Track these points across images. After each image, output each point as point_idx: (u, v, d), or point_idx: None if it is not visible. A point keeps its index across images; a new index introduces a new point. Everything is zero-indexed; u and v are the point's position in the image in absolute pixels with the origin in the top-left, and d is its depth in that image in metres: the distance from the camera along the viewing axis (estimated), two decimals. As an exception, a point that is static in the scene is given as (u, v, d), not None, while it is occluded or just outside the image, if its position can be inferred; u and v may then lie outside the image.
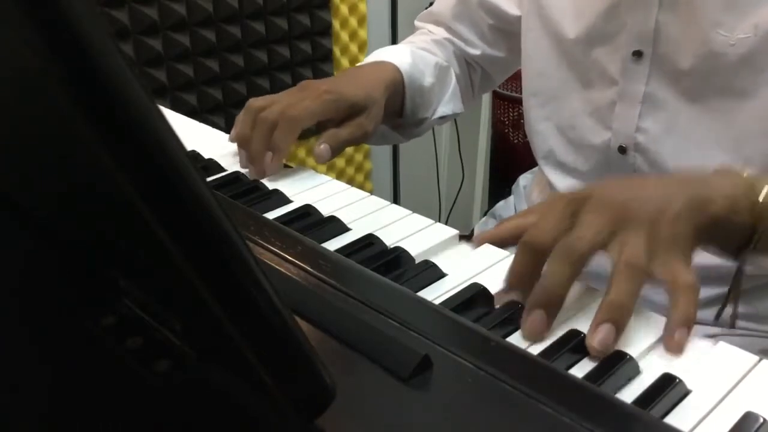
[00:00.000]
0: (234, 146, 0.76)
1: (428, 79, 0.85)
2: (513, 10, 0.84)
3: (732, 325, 0.61)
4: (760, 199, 0.50)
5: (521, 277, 0.49)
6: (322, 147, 0.71)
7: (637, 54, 0.70)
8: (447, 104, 0.89)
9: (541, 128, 0.83)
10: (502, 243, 0.55)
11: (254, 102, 0.72)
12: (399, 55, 0.83)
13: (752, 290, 0.72)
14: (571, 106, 0.78)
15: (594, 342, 0.44)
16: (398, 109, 0.84)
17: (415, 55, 0.85)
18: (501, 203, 0.99)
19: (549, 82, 0.80)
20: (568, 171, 0.81)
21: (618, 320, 0.45)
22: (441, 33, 0.93)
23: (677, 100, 0.69)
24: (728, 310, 0.58)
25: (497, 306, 0.50)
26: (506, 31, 0.87)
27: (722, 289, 0.70)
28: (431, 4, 0.96)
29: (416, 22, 0.98)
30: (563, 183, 0.81)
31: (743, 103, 0.65)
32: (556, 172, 0.82)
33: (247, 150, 0.72)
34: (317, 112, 0.71)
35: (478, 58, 0.92)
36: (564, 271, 0.46)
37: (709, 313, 0.72)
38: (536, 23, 0.80)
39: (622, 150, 0.74)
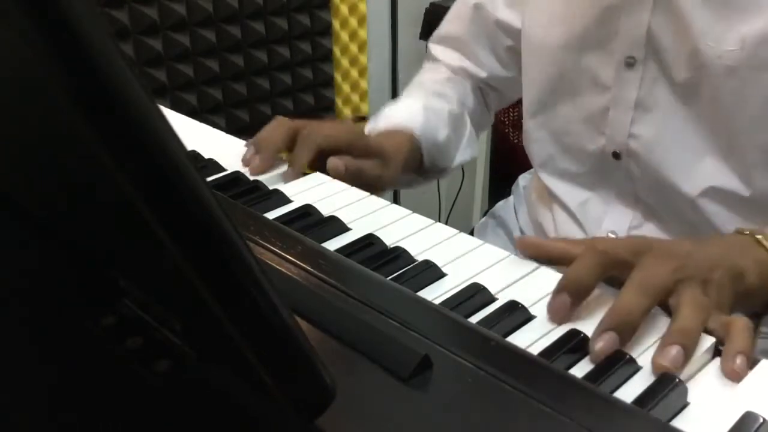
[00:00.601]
0: (234, 146, 0.76)
1: (443, 133, 0.85)
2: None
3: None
4: None
5: (576, 282, 0.48)
6: (339, 161, 0.70)
7: (631, 60, 0.70)
8: (464, 151, 0.90)
9: (537, 136, 0.83)
10: (546, 256, 0.54)
11: (280, 117, 0.74)
12: (411, 116, 0.83)
13: None
14: (565, 112, 0.78)
15: (665, 361, 0.43)
16: (418, 165, 0.85)
17: (428, 110, 0.85)
18: (501, 203, 1.00)
19: (542, 90, 0.80)
20: (566, 177, 0.81)
21: (687, 345, 0.44)
22: (454, 59, 0.92)
23: (669, 107, 0.69)
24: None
25: (550, 316, 0.49)
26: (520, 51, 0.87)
27: None
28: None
29: (430, 45, 0.97)
30: (561, 189, 0.82)
31: (731, 114, 0.65)
32: (554, 179, 0.82)
33: (257, 144, 0.72)
34: (335, 137, 0.71)
35: (490, 80, 0.92)
36: (640, 299, 0.46)
37: None
38: (528, 31, 0.80)
39: (617, 156, 0.74)
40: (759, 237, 0.55)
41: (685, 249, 0.51)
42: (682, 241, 0.55)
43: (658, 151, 0.71)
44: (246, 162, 0.72)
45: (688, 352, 0.44)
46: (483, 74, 0.91)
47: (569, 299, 0.48)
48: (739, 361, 0.43)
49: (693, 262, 0.49)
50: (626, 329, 0.45)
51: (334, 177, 0.70)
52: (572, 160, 0.80)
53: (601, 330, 0.45)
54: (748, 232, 0.56)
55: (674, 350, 0.43)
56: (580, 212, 0.80)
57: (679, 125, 0.69)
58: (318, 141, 0.70)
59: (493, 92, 0.95)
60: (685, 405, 0.41)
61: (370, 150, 0.74)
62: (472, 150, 0.92)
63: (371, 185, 0.71)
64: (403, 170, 0.78)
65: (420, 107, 0.85)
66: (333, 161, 0.70)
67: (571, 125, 0.77)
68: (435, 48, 0.96)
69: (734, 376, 0.43)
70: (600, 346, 0.44)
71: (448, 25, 0.94)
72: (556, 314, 0.48)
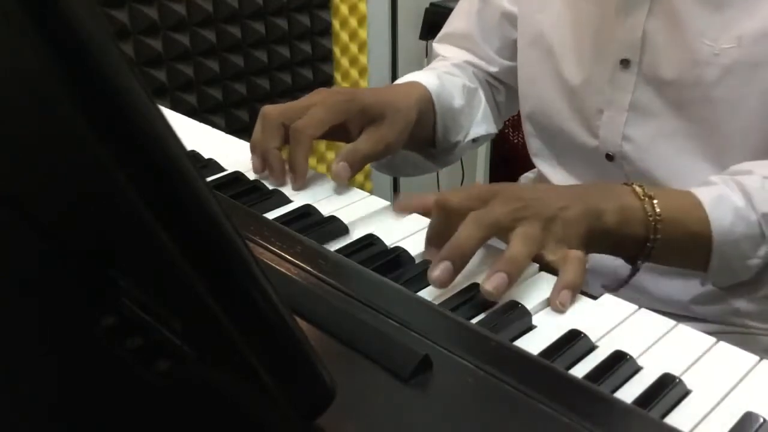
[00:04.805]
0: (234, 146, 0.76)
1: (458, 101, 0.82)
2: None
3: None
4: (657, 210, 0.56)
5: (435, 234, 0.55)
6: (341, 165, 0.66)
7: (625, 62, 0.70)
8: (480, 125, 0.86)
9: (533, 131, 0.83)
10: (418, 210, 0.61)
11: (266, 108, 0.69)
12: (425, 77, 0.79)
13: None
14: (559, 112, 0.78)
15: (489, 286, 0.49)
16: (430, 135, 0.81)
17: (442, 77, 0.82)
18: None
19: (537, 88, 0.80)
20: (561, 171, 0.81)
21: (512, 272, 0.50)
22: (460, 56, 0.89)
23: (663, 109, 0.69)
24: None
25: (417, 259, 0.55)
26: None
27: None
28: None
29: (435, 44, 0.94)
30: (560, 180, 0.81)
31: (726, 114, 0.66)
32: (551, 170, 0.82)
33: (257, 151, 0.69)
34: (325, 119, 0.67)
35: (499, 74, 0.89)
36: (472, 232, 0.51)
37: (712, 309, 0.72)
38: (525, 29, 0.80)
39: (610, 157, 0.74)
40: (635, 186, 0.58)
41: (533, 194, 0.55)
42: (539, 186, 0.58)
43: (652, 153, 0.71)
44: (257, 170, 0.70)
45: (511, 278, 0.50)
46: (492, 68, 0.88)
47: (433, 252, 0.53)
48: (563, 295, 0.49)
49: (538, 204, 0.53)
50: (457, 258, 0.51)
51: (342, 182, 0.67)
52: (566, 157, 0.79)
53: (436, 261, 0.51)
54: (631, 184, 0.58)
55: (498, 277, 0.49)
56: None
57: (672, 128, 0.69)
58: (308, 135, 0.66)
59: (504, 88, 0.92)
60: (685, 405, 0.41)
61: (366, 112, 0.69)
62: (488, 126, 0.87)
63: (385, 154, 0.72)
64: (416, 141, 0.74)
65: (434, 74, 0.81)
66: (335, 171, 0.67)
67: (566, 125, 0.77)
68: (439, 47, 0.93)
69: (558, 308, 0.49)
70: (436, 274, 0.50)
71: (453, 23, 0.91)
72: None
